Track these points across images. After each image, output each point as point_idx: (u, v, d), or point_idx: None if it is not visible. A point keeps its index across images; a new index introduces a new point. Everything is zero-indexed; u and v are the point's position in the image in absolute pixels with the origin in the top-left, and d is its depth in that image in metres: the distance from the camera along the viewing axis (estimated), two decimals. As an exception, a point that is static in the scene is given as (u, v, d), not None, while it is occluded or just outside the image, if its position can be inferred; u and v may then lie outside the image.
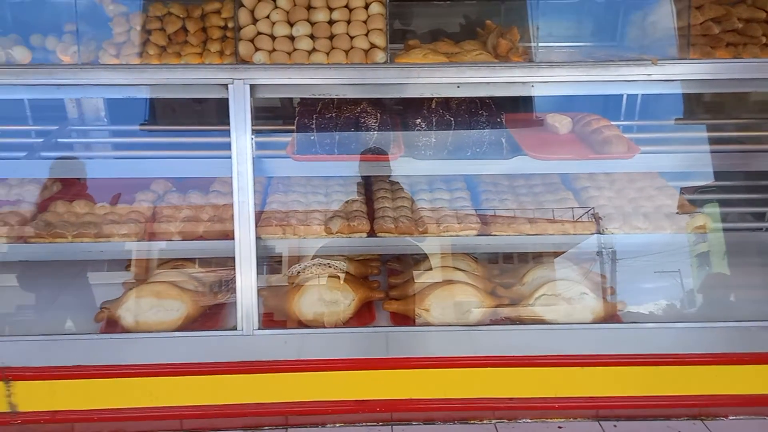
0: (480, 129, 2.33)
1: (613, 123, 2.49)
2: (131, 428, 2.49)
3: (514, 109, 2.61)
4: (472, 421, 2.55)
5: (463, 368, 2.41)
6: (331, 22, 2.27)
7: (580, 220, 2.43)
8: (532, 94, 2.29)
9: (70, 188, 2.75)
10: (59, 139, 2.65)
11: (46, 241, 2.40)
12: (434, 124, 2.34)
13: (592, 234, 2.43)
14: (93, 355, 2.36)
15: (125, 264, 2.67)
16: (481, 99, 2.46)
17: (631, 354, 2.38)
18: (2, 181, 2.67)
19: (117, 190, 2.68)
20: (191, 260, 2.66)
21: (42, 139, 2.60)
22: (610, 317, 2.44)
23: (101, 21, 2.32)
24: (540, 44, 2.20)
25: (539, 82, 2.21)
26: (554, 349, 2.38)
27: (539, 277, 2.48)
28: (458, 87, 2.23)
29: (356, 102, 2.47)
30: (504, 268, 2.69)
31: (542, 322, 2.41)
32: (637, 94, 2.83)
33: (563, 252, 2.55)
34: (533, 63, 2.19)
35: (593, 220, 2.46)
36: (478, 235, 2.42)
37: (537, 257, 2.62)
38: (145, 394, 2.40)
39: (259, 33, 2.25)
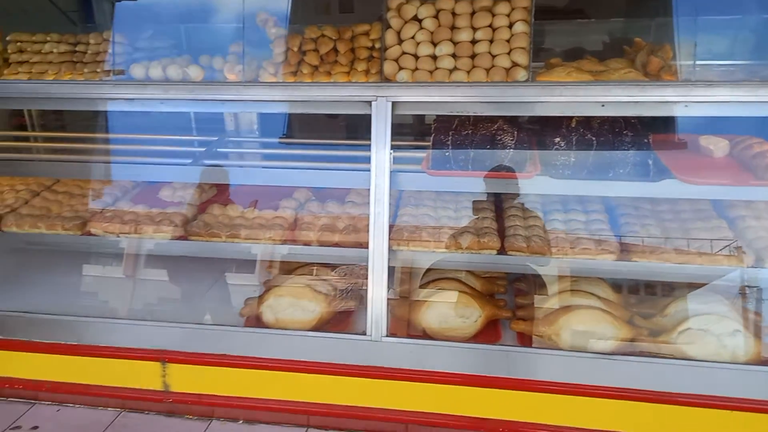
0: (624, 149, 2.23)
1: (779, 147, 2.27)
2: (263, 417, 2.67)
3: (661, 130, 2.47)
4: (598, 454, 2.44)
5: (594, 398, 2.30)
6: (473, 42, 2.30)
7: (735, 250, 2.24)
8: (686, 115, 2.15)
9: (224, 193, 3.04)
10: (218, 149, 2.93)
11: (204, 239, 2.67)
12: (574, 143, 2.28)
13: (749, 267, 2.22)
14: (237, 346, 2.56)
15: (267, 264, 2.88)
16: (626, 118, 2.35)
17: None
18: (169, 185, 3.02)
19: (264, 196, 2.91)
20: (326, 265, 2.82)
21: (204, 149, 2.90)
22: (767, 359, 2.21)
23: (262, 43, 2.55)
24: (698, 62, 2.06)
25: (695, 102, 2.07)
26: (699, 388, 2.20)
27: (684, 310, 2.31)
28: (603, 106, 2.16)
29: (492, 120, 2.47)
30: (642, 297, 2.54)
31: (685, 358, 2.24)
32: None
33: (712, 285, 2.35)
34: (689, 81, 2.06)
35: (751, 251, 2.25)
36: (618, 260, 2.31)
37: (681, 289, 2.45)
38: (279, 387, 2.57)
39: (403, 53, 2.35)
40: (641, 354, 2.28)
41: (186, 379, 2.64)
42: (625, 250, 2.34)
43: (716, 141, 2.37)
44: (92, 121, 3.13)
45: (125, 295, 2.95)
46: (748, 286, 2.29)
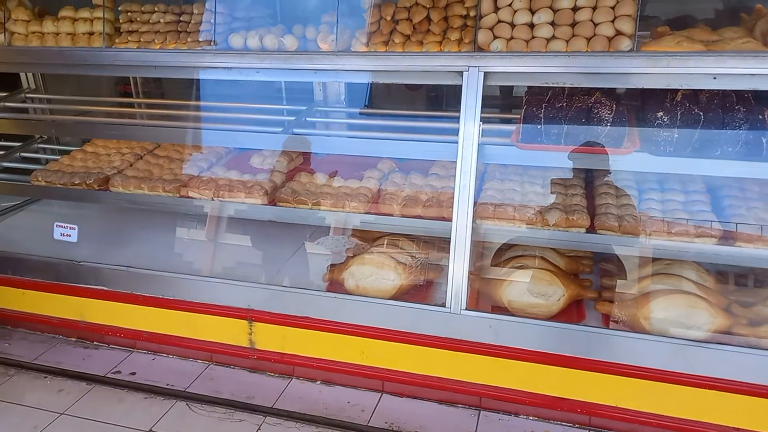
0: (735, 126, 2.08)
1: None
2: (340, 380, 2.76)
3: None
4: (683, 445, 2.35)
5: (682, 386, 2.21)
6: (575, 9, 2.21)
7: None
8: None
9: (311, 161, 3.12)
10: (307, 118, 2.99)
11: (291, 206, 2.75)
12: (679, 118, 2.15)
13: None
14: (319, 310, 2.64)
15: (350, 233, 2.94)
16: (738, 92, 2.19)
17: None
18: (259, 152, 3.13)
19: (350, 165, 2.96)
20: (407, 237, 2.84)
21: (293, 118, 2.97)
22: None
23: (355, 12, 2.57)
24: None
25: (823, 75, 1.90)
26: (802, 383, 2.06)
27: (790, 300, 2.16)
28: (714, 78, 2.02)
29: (589, 92, 2.38)
30: (743, 285, 2.38)
31: (789, 351, 2.10)
32: None
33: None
34: (818, 53, 1.89)
35: None
36: (718, 245, 2.18)
37: (787, 277, 2.28)
38: (357, 352, 2.63)
39: (499, 21, 2.29)
40: (738, 344, 2.15)
41: (270, 338, 2.76)
42: (726, 235, 2.20)
43: (842, 120, 2.16)
44: (190, 89, 3.28)
45: (214, 256, 3.10)
46: None
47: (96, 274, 2.92)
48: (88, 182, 2.98)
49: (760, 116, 2.08)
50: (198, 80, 2.89)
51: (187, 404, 2.70)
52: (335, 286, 2.73)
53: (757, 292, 2.30)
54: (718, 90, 2.19)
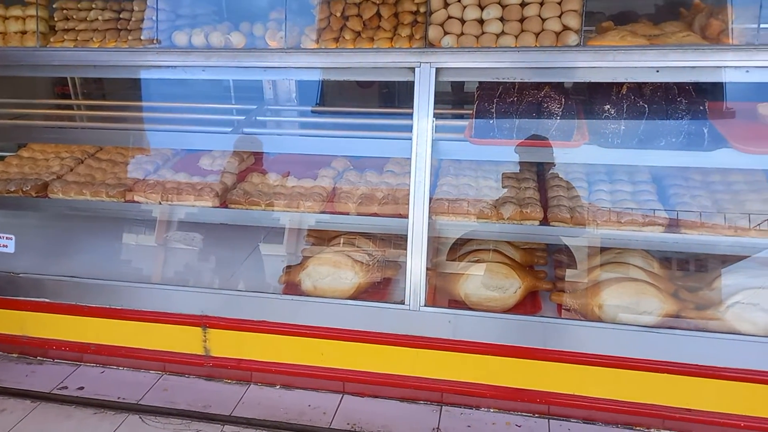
0: (678, 118, 2.15)
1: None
2: (300, 383, 2.71)
3: (716, 98, 2.38)
4: (637, 427, 2.42)
5: (634, 371, 2.28)
6: (523, 5, 2.24)
7: (791, 223, 2.16)
8: (746, 81, 2.06)
9: (263, 161, 3.05)
10: (257, 117, 2.93)
11: (243, 208, 2.68)
12: (625, 110, 2.21)
13: (806, 241, 2.15)
14: (275, 313, 2.58)
15: (305, 234, 2.90)
16: (679, 85, 2.27)
17: None
18: (208, 153, 3.04)
19: (302, 165, 2.91)
20: (363, 235, 2.82)
21: (243, 117, 2.90)
22: (820, 336, 2.15)
23: (304, 9, 2.52)
24: (762, 25, 1.97)
25: (757, 66, 1.98)
26: (747, 363, 2.15)
27: (733, 284, 2.25)
28: (657, 71, 2.08)
29: (539, 86, 2.41)
30: (689, 270, 2.48)
31: (733, 332, 2.19)
32: None
33: (762, 258, 2.28)
34: (752, 45, 1.97)
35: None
36: (665, 232, 2.26)
37: (729, 262, 2.38)
38: (317, 354, 2.59)
39: (449, 17, 2.30)
40: (687, 328, 2.23)
41: (226, 344, 2.68)
42: (672, 223, 2.28)
43: (776, 109, 2.28)
44: (133, 89, 3.16)
45: (165, 262, 3.00)
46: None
47: (37, 285, 2.77)
48: (24, 189, 2.82)
49: (701, 107, 2.16)
50: (141, 80, 2.77)
51: (140, 417, 2.59)
52: (292, 287, 2.68)
53: (702, 277, 2.39)
54: (661, 83, 2.26)
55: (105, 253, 3.05)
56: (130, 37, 2.66)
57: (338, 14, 2.45)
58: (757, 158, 2.12)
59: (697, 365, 2.19)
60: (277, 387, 2.76)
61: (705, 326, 2.22)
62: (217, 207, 2.71)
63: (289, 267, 2.74)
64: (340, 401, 2.66)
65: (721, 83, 2.21)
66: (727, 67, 2.03)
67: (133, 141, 2.95)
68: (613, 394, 2.34)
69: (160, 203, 2.74)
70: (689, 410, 2.25)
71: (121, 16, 2.75)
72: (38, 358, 3.00)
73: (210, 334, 2.68)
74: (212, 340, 2.69)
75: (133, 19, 2.72)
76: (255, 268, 2.97)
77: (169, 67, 2.59)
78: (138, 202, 2.76)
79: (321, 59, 2.41)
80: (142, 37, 2.64)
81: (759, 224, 2.18)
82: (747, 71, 2.03)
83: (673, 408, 2.27)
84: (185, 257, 3.02)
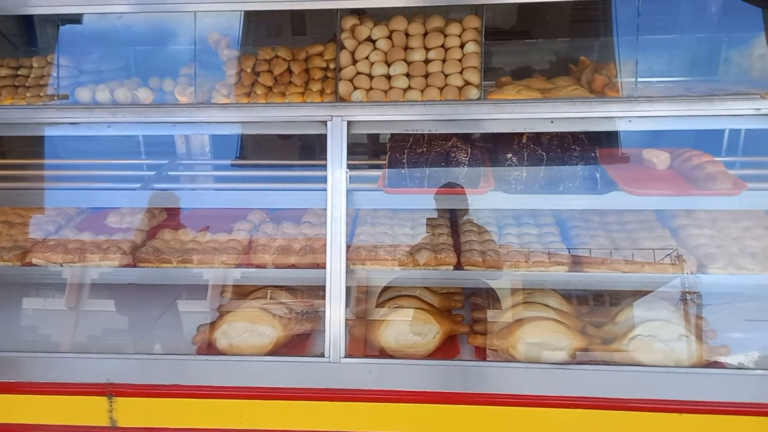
0: (573, 164, 2.32)
1: (716, 159, 2.41)
2: (220, 449, 2.57)
3: (607, 145, 2.58)
4: (557, 466, 2.46)
5: (550, 408, 2.32)
6: (426, 61, 2.37)
7: (678, 258, 2.34)
8: (630, 129, 2.27)
9: (175, 217, 2.96)
10: (169, 172, 2.86)
11: (154, 266, 2.58)
12: (526, 158, 2.36)
13: (692, 274, 2.33)
14: (189, 376, 2.45)
15: (221, 289, 2.81)
16: (573, 134, 2.45)
17: (735, 402, 2.21)
18: (116, 210, 2.92)
19: (218, 219, 2.85)
20: (281, 288, 2.77)
21: (154, 172, 2.83)
22: (712, 362, 2.30)
23: (215, 64, 2.54)
24: (639, 79, 2.19)
25: (638, 116, 2.19)
26: (650, 393, 2.25)
27: (633, 317, 2.39)
28: (552, 122, 2.25)
29: (446, 137, 2.53)
30: (593, 306, 2.61)
31: (636, 364, 2.31)
32: (740, 130, 2.74)
33: (658, 292, 2.45)
34: (632, 98, 2.18)
35: (693, 258, 2.36)
36: (569, 272, 2.38)
37: (629, 297, 2.53)
38: (235, 416, 2.47)
39: (358, 73, 2.38)
40: (595, 362, 2.33)
41: (135, 413, 2.50)
42: (576, 262, 2.41)
43: (658, 154, 2.50)
44: (34, 147, 3.00)
45: (69, 328, 2.80)
46: (691, 292, 2.39)
47: None
48: None
49: (593, 154, 2.35)
50: (45, 137, 2.65)
51: (36, 503, 2.34)
52: (207, 347, 2.57)
53: (605, 312, 2.52)
54: (557, 132, 2.43)
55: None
56: (28, 94, 2.56)
57: (249, 70, 2.48)
58: (644, 199, 2.31)
59: (605, 398, 2.27)
60: (194, 455, 2.59)
61: (611, 359, 2.33)
62: (126, 266, 2.58)
63: (202, 326, 2.63)
64: (262, 465, 2.53)
65: (609, 132, 2.41)
66: (611, 117, 2.23)
67: (31, 201, 2.79)
68: (530, 433, 2.38)
69: (62, 265, 2.58)
70: (600, 443, 2.32)
71: (19, 72, 2.64)
72: None
73: (116, 403, 2.50)
74: (119, 409, 2.50)
75: (32, 75, 2.62)
76: (168, 328, 2.83)
77: (72, 123, 2.50)
78: (36, 265, 2.58)
79: (233, 114, 2.41)
80: (41, 94, 2.54)
81: (656, 260, 2.35)
82: (630, 120, 2.23)
83: (587, 442, 2.34)
84: (91, 322, 2.83)
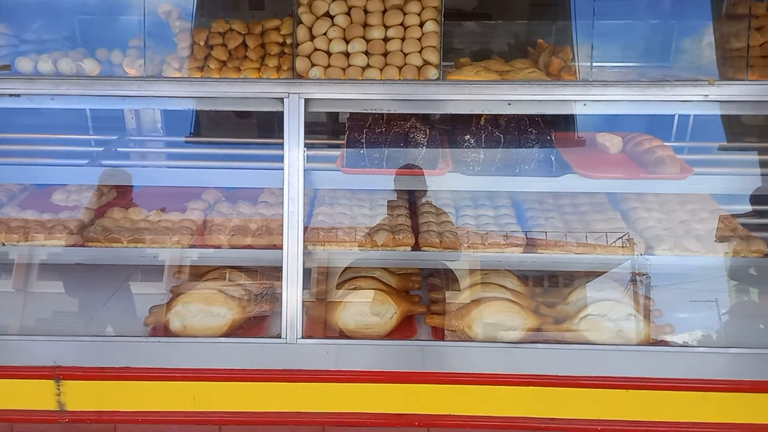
0: (529, 146, 2.34)
1: (666, 144, 2.48)
2: (173, 431, 2.53)
3: (562, 128, 2.62)
4: (511, 441, 2.53)
5: (504, 386, 2.38)
6: (386, 40, 2.33)
7: (628, 240, 2.41)
8: (584, 113, 2.30)
9: (126, 195, 2.86)
10: (118, 149, 2.76)
11: (103, 246, 2.49)
12: (483, 140, 2.37)
13: (641, 255, 2.40)
14: (141, 358, 2.41)
15: (175, 270, 2.74)
16: (530, 117, 2.47)
17: (679, 378, 2.32)
18: (62, 188, 2.80)
19: (170, 198, 2.77)
20: (238, 269, 2.72)
21: (102, 148, 2.71)
22: (658, 340, 2.40)
23: (166, 37, 2.44)
24: (594, 64, 2.21)
25: (592, 100, 2.22)
26: (599, 370, 2.34)
27: (584, 297, 2.46)
28: (509, 104, 2.26)
29: (405, 118, 2.51)
30: (547, 287, 2.67)
31: (586, 342, 2.37)
32: (689, 116, 2.81)
33: (609, 272, 2.52)
34: (587, 81, 2.21)
35: (642, 240, 2.43)
36: (524, 253, 2.42)
37: (581, 277, 2.60)
38: (189, 398, 2.44)
39: (316, 49, 2.33)
40: (547, 341, 2.39)
41: (84, 397, 2.44)
42: (530, 243, 2.45)
43: (611, 138, 2.55)
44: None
45: (15, 310, 2.69)
46: (640, 273, 2.47)
47: None
48: None
49: (548, 137, 2.38)
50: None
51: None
52: (160, 329, 2.51)
53: (558, 293, 2.59)
54: (514, 115, 2.45)
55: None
56: (-37, 63, 2.41)
57: (201, 43, 2.39)
58: (597, 182, 2.36)
59: (557, 376, 2.34)
60: (146, 438, 2.55)
61: (563, 338, 2.39)
62: (72, 246, 2.49)
63: (155, 307, 2.57)
64: (217, 446, 2.51)
65: (565, 115, 2.44)
66: (567, 100, 2.25)
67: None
68: (486, 411, 2.42)
69: (3, 244, 2.46)
70: (553, 419, 2.39)
71: (-47, 39, 2.48)
72: None
73: (65, 387, 2.43)
74: (67, 393, 2.43)
75: (-33, 44, 2.46)
76: (119, 310, 2.75)
77: (11, 95, 2.36)
78: (-24, 245, 2.46)
79: (185, 88, 2.33)
80: (-23, 63, 2.40)
81: (607, 242, 2.41)
82: (584, 104, 2.26)
83: (540, 419, 2.40)
84: (38, 304, 2.73)
